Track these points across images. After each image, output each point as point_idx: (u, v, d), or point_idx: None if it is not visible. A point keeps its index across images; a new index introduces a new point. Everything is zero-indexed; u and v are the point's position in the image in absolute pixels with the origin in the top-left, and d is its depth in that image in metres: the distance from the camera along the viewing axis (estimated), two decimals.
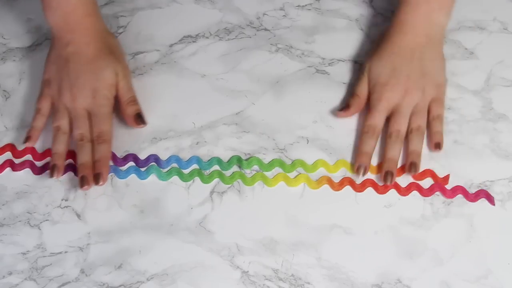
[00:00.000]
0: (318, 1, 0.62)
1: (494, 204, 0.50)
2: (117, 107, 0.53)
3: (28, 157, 0.52)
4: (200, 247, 0.48)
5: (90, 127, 0.51)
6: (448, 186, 0.51)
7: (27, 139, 0.51)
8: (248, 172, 0.52)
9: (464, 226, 0.49)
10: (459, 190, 0.50)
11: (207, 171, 0.52)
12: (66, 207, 0.50)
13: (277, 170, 0.52)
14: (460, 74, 0.57)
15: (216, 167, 0.52)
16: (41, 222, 0.49)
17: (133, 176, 0.51)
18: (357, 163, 0.51)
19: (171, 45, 0.59)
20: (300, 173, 0.51)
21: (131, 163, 0.52)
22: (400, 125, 0.52)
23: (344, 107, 0.54)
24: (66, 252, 0.48)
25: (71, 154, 0.52)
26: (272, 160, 0.52)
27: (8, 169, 0.52)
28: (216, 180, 0.51)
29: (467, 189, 0.51)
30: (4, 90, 0.56)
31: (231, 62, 0.58)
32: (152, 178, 0.51)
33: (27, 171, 0.52)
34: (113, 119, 0.53)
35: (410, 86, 0.52)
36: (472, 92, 0.56)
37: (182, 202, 0.50)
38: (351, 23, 0.60)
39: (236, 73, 0.57)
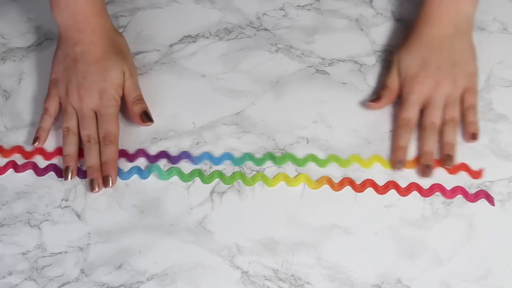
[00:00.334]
0: (318, 1, 0.62)
1: (494, 205, 0.50)
2: (123, 107, 0.53)
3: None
4: (200, 247, 0.48)
5: (97, 127, 0.52)
6: (448, 186, 0.51)
7: (36, 139, 0.52)
8: (248, 172, 0.52)
9: (464, 226, 0.49)
10: (459, 190, 0.50)
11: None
12: (66, 207, 0.50)
13: (310, 165, 0.52)
14: None
15: (249, 163, 0.52)
16: (41, 222, 0.49)
17: (133, 176, 0.51)
18: (394, 157, 0.51)
19: (171, 45, 0.59)
20: (300, 173, 0.51)
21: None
22: (434, 117, 0.51)
23: (376, 98, 0.53)
24: (66, 252, 0.48)
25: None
26: (306, 155, 0.52)
27: (9, 170, 0.52)
28: (216, 180, 0.51)
29: (467, 190, 0.51)
30: (4, 90, 0.56)
31: (231, 62, 0.58)
32: (152, 178, 0.51)
33: (27, 171, 0.52)
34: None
35: (441, 77, 0.52)
36: None
37: (182, 202, 0.50)
38: (351, 23, 0.60)
39: (236, 73, 0.57)
